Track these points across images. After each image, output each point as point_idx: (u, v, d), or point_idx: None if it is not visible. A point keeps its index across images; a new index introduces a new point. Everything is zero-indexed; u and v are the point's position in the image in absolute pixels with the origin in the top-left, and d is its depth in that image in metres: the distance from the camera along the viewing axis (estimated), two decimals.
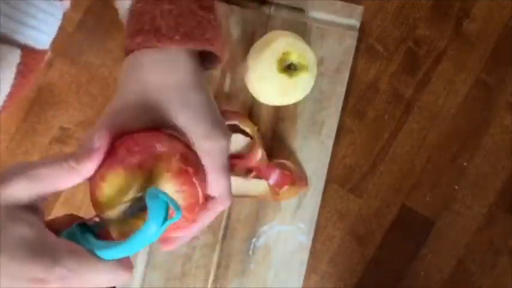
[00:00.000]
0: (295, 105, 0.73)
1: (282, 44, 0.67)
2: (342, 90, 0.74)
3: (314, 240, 0.71)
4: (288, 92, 0.67)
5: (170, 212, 0.40)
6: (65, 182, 0.42)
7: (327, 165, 0.72)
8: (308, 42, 0.73)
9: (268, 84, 0.67)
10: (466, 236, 0.73)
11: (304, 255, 0.71)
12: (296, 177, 0.70)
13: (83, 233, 0.43)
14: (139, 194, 0.42)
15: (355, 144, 0.74)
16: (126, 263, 0.41)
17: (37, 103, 0.75)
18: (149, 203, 0.40)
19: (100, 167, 0.43)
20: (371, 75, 0.75)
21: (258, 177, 0.70)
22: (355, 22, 0.74)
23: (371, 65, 0.75)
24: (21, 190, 0.40)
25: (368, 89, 0.75)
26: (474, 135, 0.74)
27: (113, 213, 0.43)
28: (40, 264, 0.38)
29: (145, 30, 0.46)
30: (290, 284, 0.71)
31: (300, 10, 0.75)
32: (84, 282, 0.40)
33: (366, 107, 0.75)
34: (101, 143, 0.43)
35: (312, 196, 0.72)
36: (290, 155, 0.72)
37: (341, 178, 0.74)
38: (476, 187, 0.73)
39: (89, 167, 0.42)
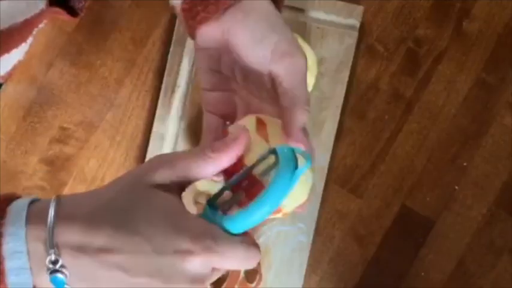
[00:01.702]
0: None
1: None
2: (342, 90, 0.73)
3: (314, 240, 0.71)
4: None
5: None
6: (201, 171, 0.44)
7: (326, 165, 0.72)
8: (308, 42, 0.73)
9: None
10: (467, 236, 0.73)
11: (304, 256, 0.71)
12: None
13: (214, 212, 0.43)
14: (264, 155, 0.44)
15: (355, 144, 0.74)
16: (256, 246, 0.42)
17: (37, 103, 0.75)
18: (279, 155, 0.41)
19: None
20: (371, 75, 0.75)
21: None
22: (355, 22, 0.74)
23: (371, 65, 0.75)
24: (163, 175, 0.42)
25: (368, 89, 0.75)
26: (474, 135, 0.74)
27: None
28: (185, 235, 0.40)
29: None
30: (290, 284, 0.71)
31: (300, 10, 0.75)
32: (223, 259, 0.41)
33: (366, 107, 0.75)
34: (242, 139, 0.45)
35: (312, 196, 0.72)
36: None
37: (341, 178, 0.74)
38: (476, 187, 0.73)
39: (226, 160, 0.44)
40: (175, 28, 0.74)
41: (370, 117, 0.75)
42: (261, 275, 0.70)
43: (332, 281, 0.72)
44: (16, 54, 0.72)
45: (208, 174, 0.44)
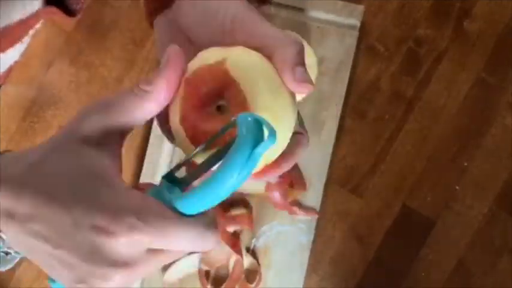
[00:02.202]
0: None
1: None
2: (342, 90, 0.73)
3: (314, 240, 0.71)
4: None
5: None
6: (139, 110, 0.37)
7: (327, 165, 0.72)
8: (308, 41, 0.73)
9: None
10: (467, 236, 0.73)
11: (305, 256, 0.71)
12: (294, 180, 0.70)
13: (171, 188, 0.37)
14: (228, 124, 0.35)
15: (355, 144, 0.74)
16: (213, 230, 0.35)
17: (36, 103, 0.74)
18: (239, 125, 0.33)
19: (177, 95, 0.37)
20: (371, 75, 0.75)
21: None
22: (356, 22, 0.74)
23: (371, 65, 0.75)
24: (92, 123, 0.36)
25: (368, 88, 0.75)
26: (475, 135, 0.74)
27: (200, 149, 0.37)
28: (106, 210, 0.34)
29: None
30: (290, 284, 0.71)
31: (300, 10, 0.75)
32: (160, 239, 0.35)
33: (367, 106, 0.75)
34: (173, 57, 0.37)
35: (313, 196, 0.72)
36: None
37: (341, 178, 0.73)
38: (476, 187, 0.73)
39: (163, 88, 0.37)
40: None
41: (370, 117, 0.75)
42: (260, 274, 0.70)
43: (332, 281, 0.72)
44: (12, 55, 0.72)
45: (148, 113, 0.38)
